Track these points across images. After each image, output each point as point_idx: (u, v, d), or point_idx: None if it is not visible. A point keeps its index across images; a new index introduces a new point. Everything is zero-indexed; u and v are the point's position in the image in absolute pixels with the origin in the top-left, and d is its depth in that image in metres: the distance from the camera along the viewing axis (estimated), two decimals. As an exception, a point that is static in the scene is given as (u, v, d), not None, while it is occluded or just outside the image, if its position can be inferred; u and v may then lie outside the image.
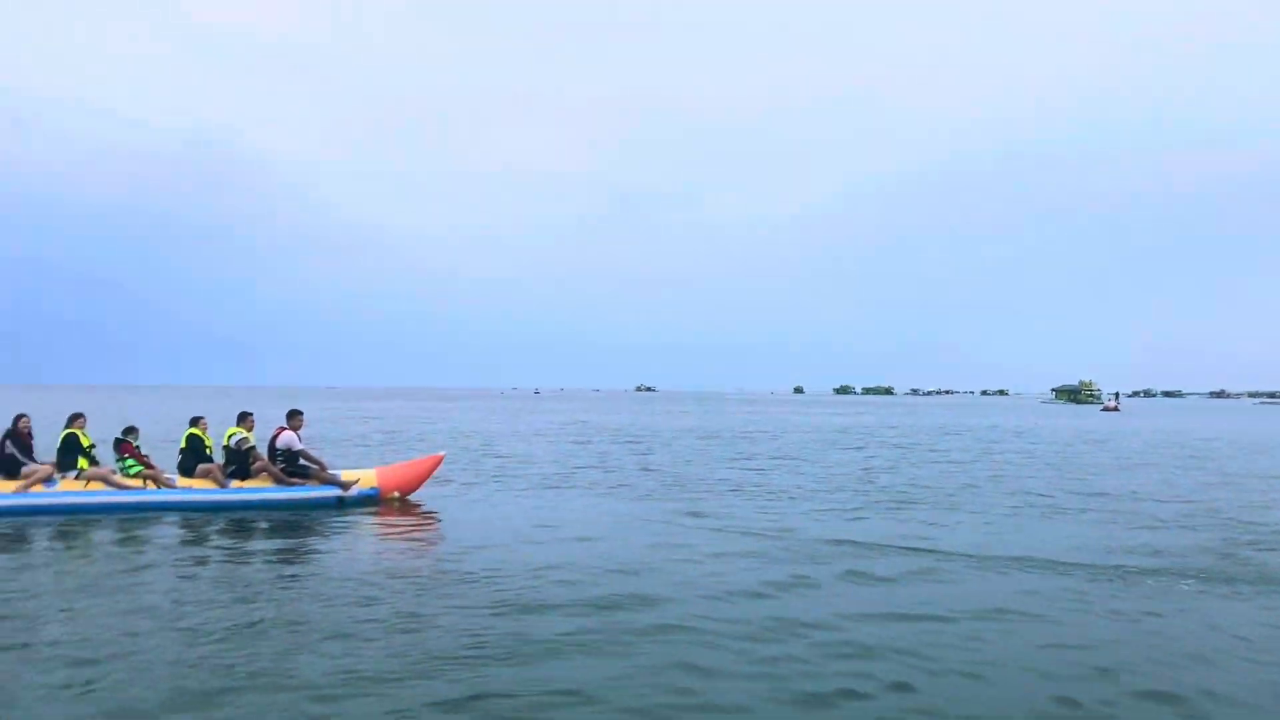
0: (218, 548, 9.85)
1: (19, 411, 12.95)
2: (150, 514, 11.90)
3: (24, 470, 12.14)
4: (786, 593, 7.89)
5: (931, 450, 26.55)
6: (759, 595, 7.77)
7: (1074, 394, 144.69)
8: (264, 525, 11.36)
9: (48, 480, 12.14)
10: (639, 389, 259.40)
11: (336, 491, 12.96)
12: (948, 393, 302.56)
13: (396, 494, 13.43)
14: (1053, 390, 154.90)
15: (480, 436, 31.13)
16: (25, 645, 6.14)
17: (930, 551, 9.83)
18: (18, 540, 10.15)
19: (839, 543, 10.27)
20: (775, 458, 22.97)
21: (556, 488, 15.53)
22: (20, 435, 12.42)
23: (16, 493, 11.88)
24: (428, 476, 13.96)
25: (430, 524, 11.77)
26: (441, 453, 14.66)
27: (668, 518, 12.15)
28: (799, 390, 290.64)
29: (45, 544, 10.00)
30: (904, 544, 10.22)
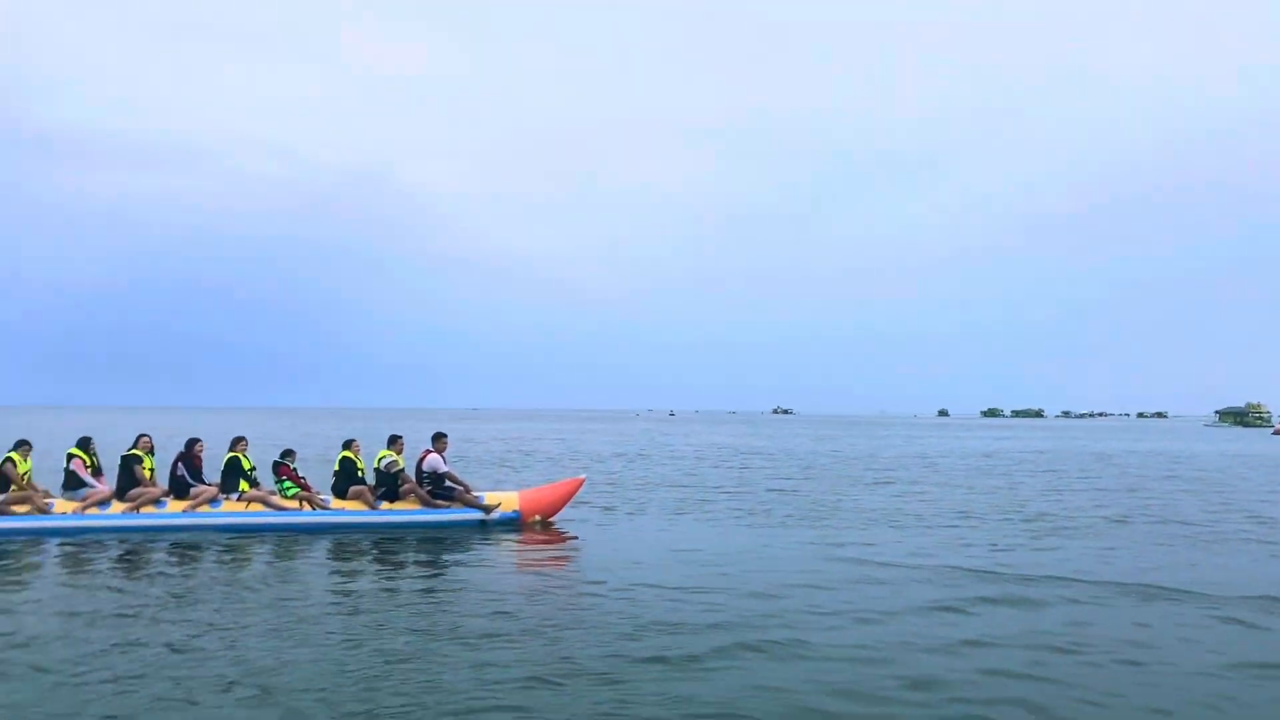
0: (365, 566, 10.14)
1: (194, 436, 13.70)
2: (304, 534, 12.39)
3: (192, 491, 12.90)
4: (925, 618, 7.63)
5: (1083, 476, 24.94)
6: (897, 620, 7.56)
7: (1240, 416, 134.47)
8: (409, 546, 11.59)
9: (213, 501, 12.84)
10: (776, 411, 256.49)
11: (479, 514, 13.18)
12: (1101, 415, 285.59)
13: (538, 517, 13.47)
14: (1217, 412, 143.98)
15: (618, 459, 31.24)
16: (193, 650, 6.46)
17: (1080, 582, 9.24)
18: (186, 556, 10.75)
19: (981, 572, 9.76)
20: (916, 483, 22.10)
21: (693, 512, 15.34)
22: (192, 458, 13.20)
23: (185, 512, 12.65)
24: (569, 500, 13.96)
25: (570, 546, 11.82)
26: (582, 477, 14.65)
27: (804, 544, 11.84)
28: (944, 413, 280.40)
29: (211, 560, 10.52)
30: (1050, 573, 9.68)
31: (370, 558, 10.70)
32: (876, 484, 21.47)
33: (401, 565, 10.19)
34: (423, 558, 10.72)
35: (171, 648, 6.60)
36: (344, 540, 11.95)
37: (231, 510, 12.77)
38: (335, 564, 10.27)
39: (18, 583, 9.18)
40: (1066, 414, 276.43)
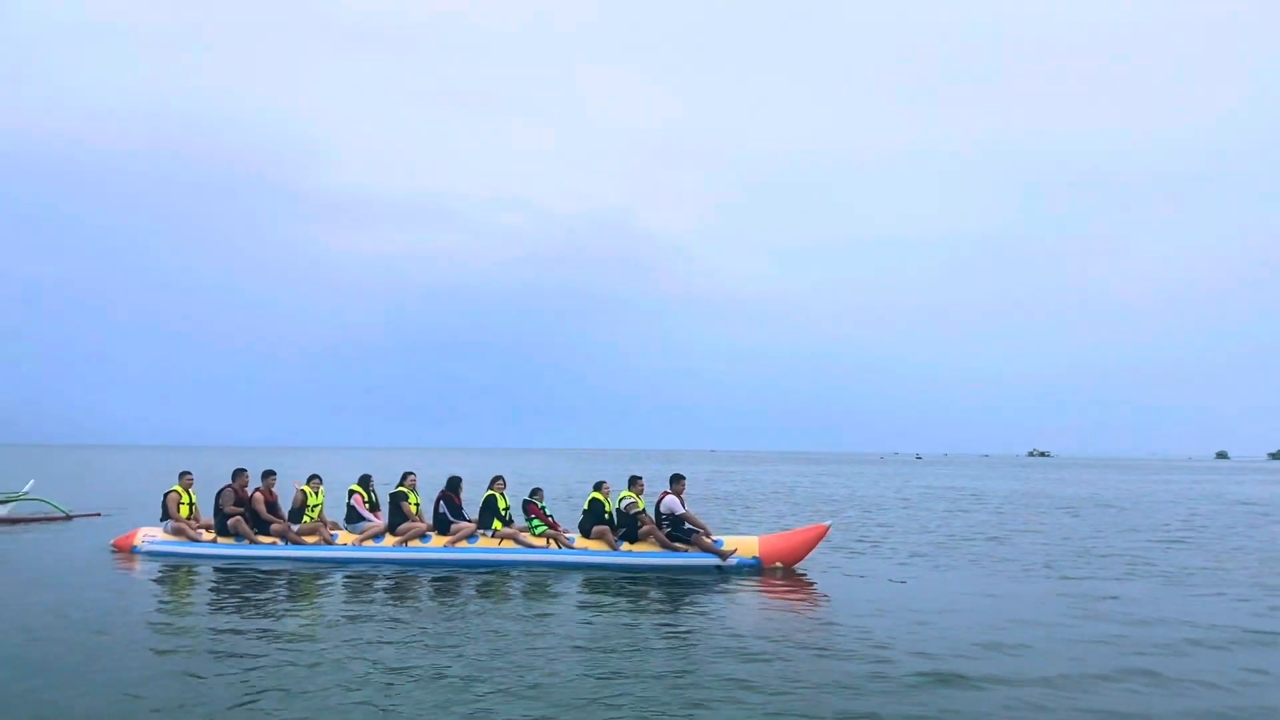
0: (604, 604, 10.37)
1: (455, 475, 14.61)
2: (549, 570, 12.91)
3: (452, 527, 13.76)
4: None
5: None
6: (1145, 680, 7.06)
7: None
8: (650, 587, 11.67)
9: (470, 536, 13.64)
10: (1032, 453, 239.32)
11: (715, 560, 13.01)
12: None
13: (778, 564, 13.12)
14: None
15: (862, 505, 30.03)
16: (450, 678, 6.92)
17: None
18: (446, 588, 11.53)
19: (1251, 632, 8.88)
20: (1183, 532, 19.85)
21: (943, 560, 14.51)
22: (452, 497, 14.07)
23: (445, 546, 13.54)
24: (812, 547, 13.44)
25: (813, 594, 11.40)
26: (827, 523, 13.99)
27: (1053, 595, 11.03)
28: (1223, 455, 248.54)
29: (470, 591, 11.29)
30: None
31: (607, 597, 10.89)
32: (1137, 531, 19.23)
33: (637, 606, 10.23)
34: (662, 599, 10.75)
35: (430, 674, 7.05)
36: (588, 579, 12.27)
37: (486, 546, 13.47)
38: (581, 600, 10.67)
39: (302, 607, 10.19)
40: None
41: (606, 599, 10.74)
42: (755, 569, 12.95)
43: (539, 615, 9.63)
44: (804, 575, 12.71)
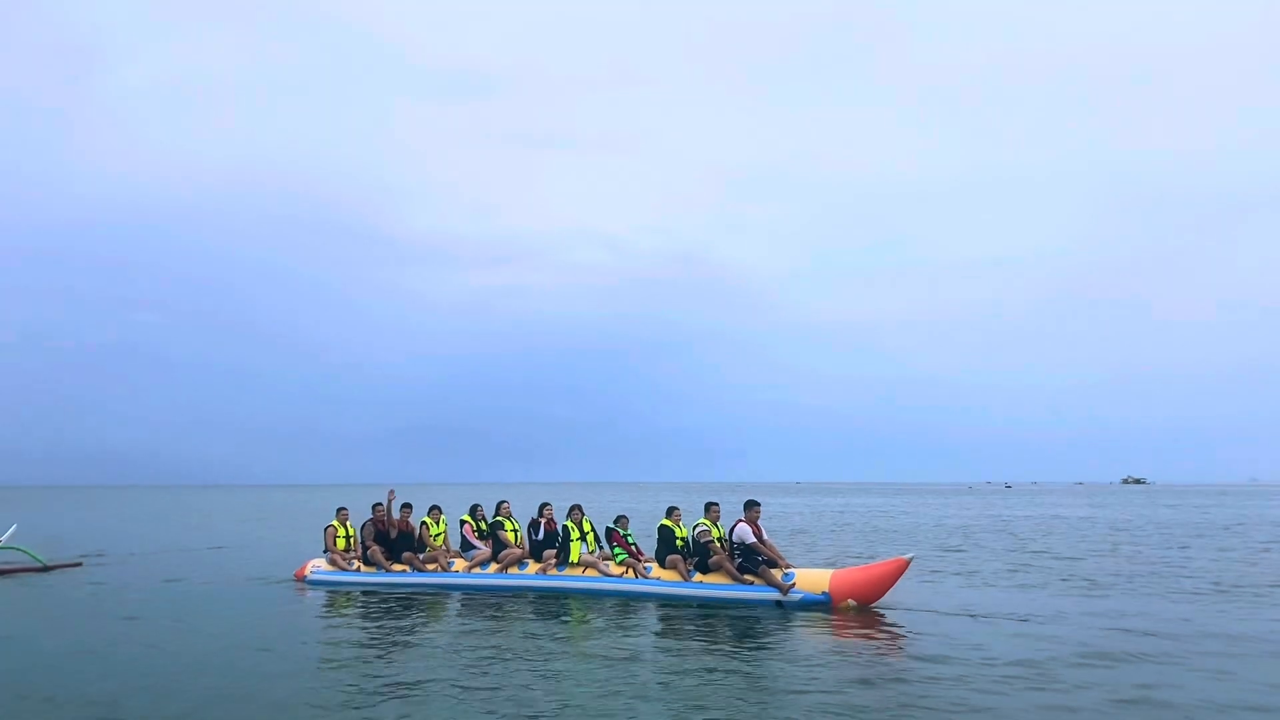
0: (648, 639, 10.30)
1: (544, 501, 15.09)
2: (620, 600, 13.14)
3: (544, 554, 14.33)
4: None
5: None
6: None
7: None
8: (710, 622, 11.34)
9: (558, 564, 14.17)
10: (1126, 481, 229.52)
11: (773, 593, 12.42)
12: None
13: (850, 602, 12.10)
14: None
15: (951, 535, 28.88)
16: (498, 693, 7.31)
17: None
18: (538, 613, 12.27)
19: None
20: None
21: (1041, 600, 13.10)
22: (542, 522, 14.64)
23: (536, 574, 14.23)
24: (890, 583, 12.23)
25: (884, 638, 10.39)
26: (909, 555, 12.63)
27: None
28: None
29: (548, 618, 11.84)
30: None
31: (663, 631, 10.83)
32: (1223, 551, 18.02)
33: (687, 646, 9.78)
34: (712, 637, 10.27)
35: (514, 693, 7.64)
36: (659, 611, 12.26)
37: (571, 575, 13.95)
38: (631, 633, 10.67)
39: (413, 627, 11.37)
40: None
41: (657, 633, 10.70)
42: (824, 605, 12.12)
43: (579, 648, 9.80)
44: (881, 616, 11.64)
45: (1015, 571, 17.08)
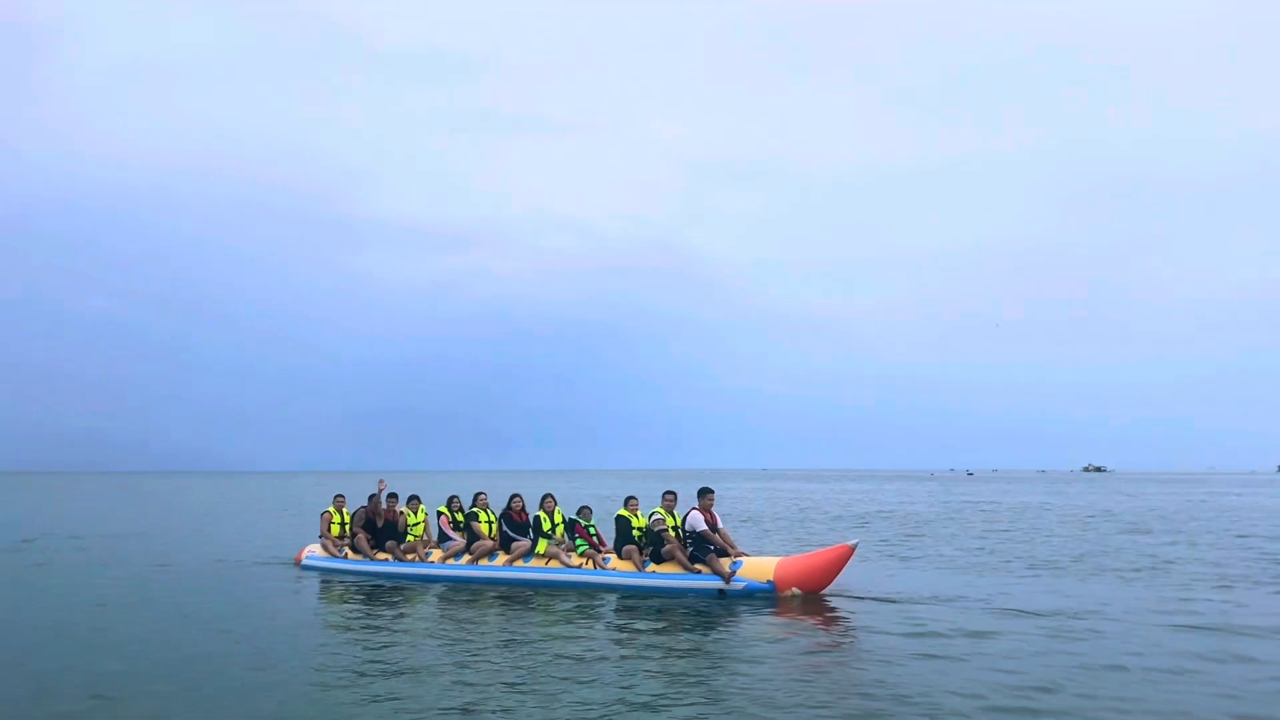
0: (592, 631, 10.26)
1: (515, 493, 15.05)
2: (577, 591, 13.15)
3: (512, 545, 14.33)
4: None
5: None
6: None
7: None
8: (658, 613, 11.32)
9: (525, 555, 14.14)
10: (1087, 469, 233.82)
11: (719, 583, 12.40)
12: None
13: (795, 591, 12.11)
14: None
15: (904, 521, 29.20)
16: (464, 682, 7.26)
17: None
18: (481, 605, 12.27)
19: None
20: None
21: (992, 591, 12.83)
22: (512, 514, 14.63)
23: (503, 565, 14.23)
24: (834, 571, 12.20)
25: (827, 628, 10.43)
26: (852, 542, 12.52)
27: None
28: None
29: (512, 612, 11.68)
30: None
31: (610, 622, 10.84)
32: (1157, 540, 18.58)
33: (618, 639, 9.70)
34: (664, 628, 10.28)
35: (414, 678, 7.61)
36: (613, 603, 12.24)
37: (535, 567, 13.95)
38: (573, 625, 10.61)
39: (399, 616, 11.49)
40: None
41: (606, 626, 10.64)
42: (769, 594, 12.10)
43: (527, 638, 9.81)
44: (828, 603, 11.69)
45: (949, 556, 17.54)
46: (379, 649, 9.30)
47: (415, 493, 16.61)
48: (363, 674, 8.11)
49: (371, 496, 16.17)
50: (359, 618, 11.39)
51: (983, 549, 19.50)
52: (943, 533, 24.42)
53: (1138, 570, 15.45)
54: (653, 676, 7.93)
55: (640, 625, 10.53)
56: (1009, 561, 16.90)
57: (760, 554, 13.95)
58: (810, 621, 10.75)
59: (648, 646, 9.25)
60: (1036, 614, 10.89)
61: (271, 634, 10.30)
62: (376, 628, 10.60)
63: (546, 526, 14.18)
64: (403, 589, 13.97)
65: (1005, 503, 43.36)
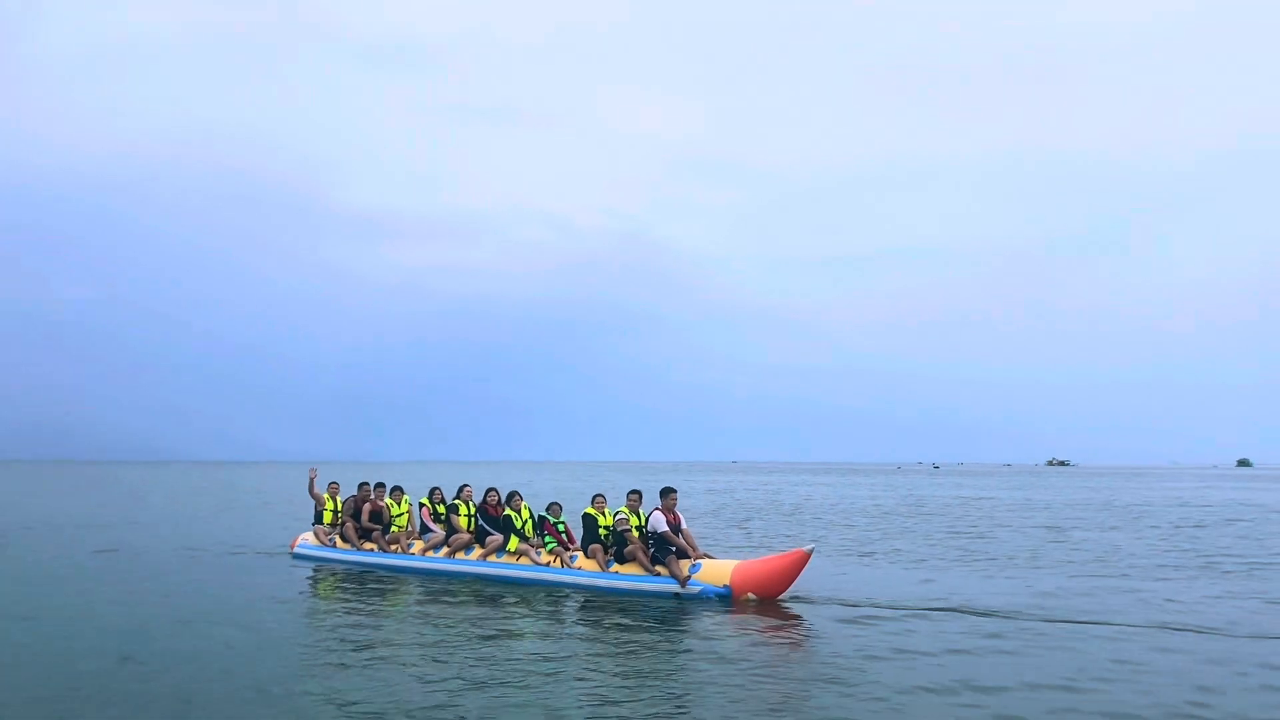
0: (551, 633, 10.42)
1: (490, 487, 15.19)
2: (541, 590, 13.26)
3: (487, 540, 14.50)
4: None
5: None
6: None
7: None
8: (618, 615, 11.28)
9: (499, 550, 14.35)
10: (1051, 463, 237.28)
11: (674, 585, 12.37)
12: None
13: (750, 595, 12.03)
14: None
15: (872, 518, 29.08)
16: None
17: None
18: (453, 601, 12.40)
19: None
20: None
21: (957, 593, 12.83)
22: (488, 508, 14.76)
23: (477, 560, 14.48)
24: (793, 577, 12.08)
25: (783, 634, 10.35)
26: (808, 548, 12.42)
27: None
28: (1244, 463, 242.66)
29: (482, 608, 11.84)
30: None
31: (569, 626, 10.83)
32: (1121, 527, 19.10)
33: (572, 649, 9.44)
34: (621, 632, 10.27)
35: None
36: (576, 602, 12.29)
37: (506, 562, 14.15)
38: (531, 626, 10.73)
39: (378, 609, 11.86)
40: None
41: (569, 626, 10.77)
42: (725, 599, 12.04)
43: (488, 635, 9.95)
44: (786, 609, 11.61)
45: (905, 552, 17.80)
46: (352, 649, 9.31)
47: (399, 485, 16.78)
48: (328, 667, 8.46)
49: (361, 485, 16.62)
50: (338, 613, 11.65)
51: (931, 547, 19.85)
52: (891, 527, 24.57)
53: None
54: (613, 676, 8.07)
55: (590, 627, 10.69)
56: (970, 558, 17.30)
57: (718, 556, 13.60)
58: (765, 623, 10.86)
59: (601, 646, 9.44)
60: (984, 612, 11.30)
61: (246, 628, 10.52)
62: (355, 624, 10.77)
63: (518, 524, 14.35)
64: (383, 580, 14.43)
65: (951, 497, 44.17)
